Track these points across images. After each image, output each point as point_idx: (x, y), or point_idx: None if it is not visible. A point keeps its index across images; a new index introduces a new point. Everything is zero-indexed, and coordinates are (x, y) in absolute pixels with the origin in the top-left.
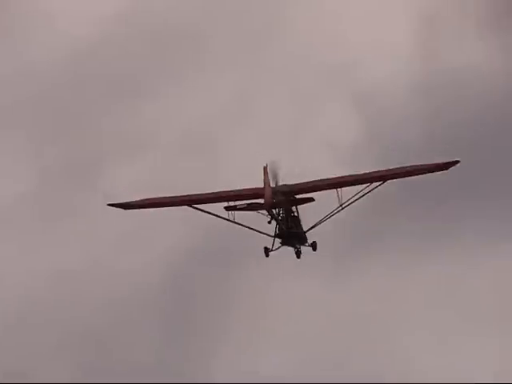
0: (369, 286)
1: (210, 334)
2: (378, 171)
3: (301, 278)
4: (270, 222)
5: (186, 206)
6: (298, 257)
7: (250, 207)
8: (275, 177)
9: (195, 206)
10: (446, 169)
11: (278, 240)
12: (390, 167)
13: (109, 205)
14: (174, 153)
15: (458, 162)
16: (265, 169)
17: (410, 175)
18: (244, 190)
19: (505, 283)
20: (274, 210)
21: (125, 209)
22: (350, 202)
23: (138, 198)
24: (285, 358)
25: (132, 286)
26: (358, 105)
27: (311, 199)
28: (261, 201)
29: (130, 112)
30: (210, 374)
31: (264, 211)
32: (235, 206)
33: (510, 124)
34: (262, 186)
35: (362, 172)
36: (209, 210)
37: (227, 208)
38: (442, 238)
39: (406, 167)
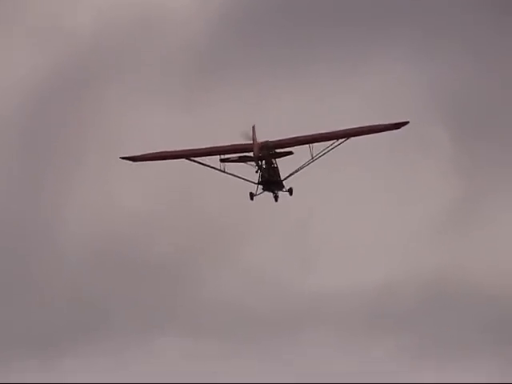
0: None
1: None
2: (343, 130)
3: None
4: (257, 172)
5: (184, 159)
6: (276, 200)
7: (241, 159)
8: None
9: (193, 158)
10: (399, 128)
11: (260, 187)
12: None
13: (121, 158)
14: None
15: (407, 122)
16: (253, 128)
17: (369, 133)
18: (235, 144)
19: None
20: (259, 162)
21: (134, 161)
22: (320, 155)
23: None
24: None
25: None
26: None
27: (290, 153)
28: (250, 154)
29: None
30: None
31: (252, 162)
32: (229, 158)
33: None
34: (250, 142)
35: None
36: (204, 162)
37: (222, 160)
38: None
39: (366, 126)
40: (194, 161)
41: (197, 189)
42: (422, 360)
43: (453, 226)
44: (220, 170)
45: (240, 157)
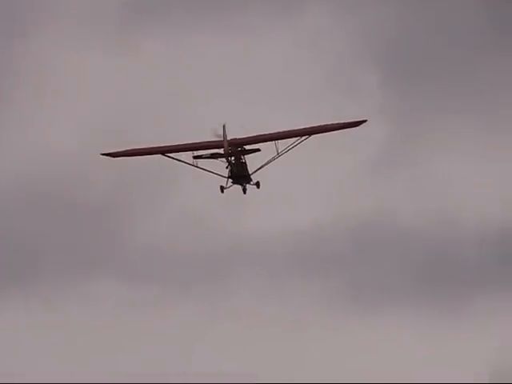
0: None
1: None
2: (306, 128)
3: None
4: (227, 167)
5: (159, 155)
6: (245, 193)
7: (212, 156)
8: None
9: (167, 154)
10: (357, 126)
11: (230, 180)
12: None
13: (102, 154)
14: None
15: (365, 120)
16: (224, 126)
17: (329, 131)
18: (207, 142)
19: None
20: (229, 158)
21: (113, 157)
22: (284, 151)
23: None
24: None
25: None
26: None
27: (258, 150)
28: (220, 151)
29: None
30: None
31: (222, 159)
32: (201, 155)
33: None
34: (220, 139)
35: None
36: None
37: (195, 157)
38: None
39: (327, 124)
40: (169, 156)
41: None
42: (347, 305)
43: (383, 169)
44: (192, 165)
45: (212, 154)
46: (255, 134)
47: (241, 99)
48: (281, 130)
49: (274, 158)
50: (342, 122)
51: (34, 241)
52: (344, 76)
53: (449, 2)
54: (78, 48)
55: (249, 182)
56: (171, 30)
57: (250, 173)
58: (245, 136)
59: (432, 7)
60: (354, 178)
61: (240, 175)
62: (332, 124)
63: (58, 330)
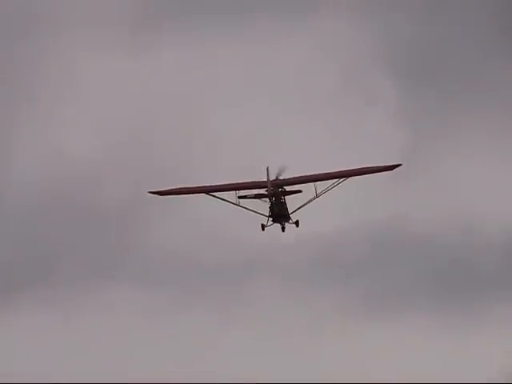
0: None
1: None
2: (343, 170)
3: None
4: (270, 207)
5: (203, 194)
6: (283, 231)
7: (256, 197)
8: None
9: (211, 193)
10: (392, 169)
11: (270, 219)
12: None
13: (149, 192)
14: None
15: (400, 165)
16: (267, 169)
17: (366, 173)
18: (250, 182)
19: None
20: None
21: (160, 195)
22: (323, 192)
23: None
24: None
25: None
26: None
27: (299, 191)
28: (264, 192)
29: None
30: None
31: (265, 198)
32: (246, 195)
33: None
34: (262, 179)
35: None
36: (222, 197)
37: (240, 197)
38: None
39: (363, 168)
40: (213, 196)
41: None
42: (365, 311)
43: (401, 175)
44: (236, 204)
45: (256, 194)
46: (296, 176)
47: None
48: (320, 172)
49: (313, 198)
50: (377, 165)
51: (49, 246)
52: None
53: (463, 6)
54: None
55: (288, 221)
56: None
57: (290, 212)
58: (286, 177)
59: (447, 12)
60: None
61: (280, 214)
62: (368, 168)
63: (72, 335)
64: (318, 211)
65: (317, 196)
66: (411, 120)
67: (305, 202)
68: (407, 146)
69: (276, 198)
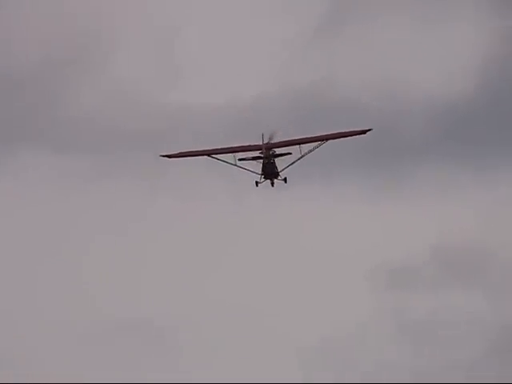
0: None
1: None
2: (322, 135)
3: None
4: (262, 167)
5: (207, 156)
6: (272, 186)
7: (253, 159)
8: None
9: (214, 156)
10: (365, 133)
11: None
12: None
13: (161, 155)
14: None
15: (371, 129)
16: (262, 135)
17: (343, 137)
18: (247, 146)
19: None
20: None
21: (169, 158)
22: (306, 153)
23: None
24: None
25: None
26: None
27: (289, 153)
28: (260, 154)
29: None
30: None
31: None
32: (245, 157)
33: None
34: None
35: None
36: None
37: (240, 159)
38: None
39: (341, 132)
40: (215, 158)
41: None
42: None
43: (324, 40)
44: (234, 165)
45: (253, 157)
46: (285, 139)
47: None
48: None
49: (298, 159)
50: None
51: None
52: None
53: None
54: None
55: (277, 178)
56: None
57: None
58: (277, 141)
59: None
60: (296, 46)
61: (271, 172)
62: (344, 132)
63: None
64: None
65: (302, 156)
66: None
67: (292, 161)
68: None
69: (268, 159)
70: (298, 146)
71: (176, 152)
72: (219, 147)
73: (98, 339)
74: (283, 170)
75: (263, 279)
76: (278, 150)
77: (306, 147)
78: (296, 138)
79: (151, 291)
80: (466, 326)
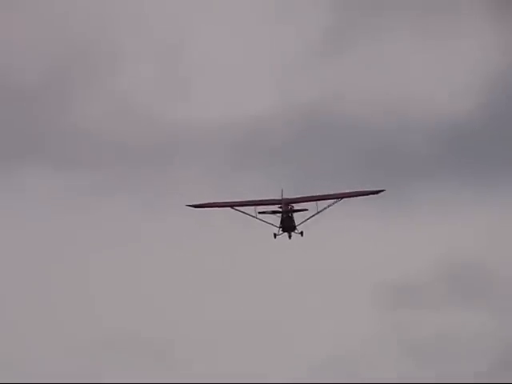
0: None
1: None
2: (337, 193)
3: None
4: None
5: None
6: (290, 238)
7: (273, 212)
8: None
9: (236, 208)
10: (377, 193)
11: (281, 229)
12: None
13: (186, 205)
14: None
15: (383, 190)
16: (282, 191)
17: (356, 196)
18: (268, 200)
19: None
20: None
21: (195, 208)
22: (323, 209)
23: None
24: None
25: None
26: None
27: (305, 209)
28: (278, 208)
29: None
30: None
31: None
32: (264, 211)
33: None
34: (278, 198)
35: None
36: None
37: (260, 212)
38: None
39: (353, 192)
40: (237, 209)
41: None
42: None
43: (328, 57)
44: (254, 217)
45: (273, 211)
46: (302, 196)
47: None
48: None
49: (314, 215)
50: (365, 190)
51: None
52: None
53: None
54: None
55: (294, 232)
56: None
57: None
58: (294, 197)
59: None
60: (299, 63)
61: (289, 226)
62: (358, 191)
63: None
64: None
65: (318, 212)
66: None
67: (308, 216)
68: (334, 27)
69: (287, 214)
70: (315, 203)
71: (202, 202)
72: (242, 200)
73: (95, 352)
74: (300, 224)
75: (270, 298)
76: (296, 206)
77: (322, 203)
78: (314, 195)
79: (156, 313)
80: (471, 343)
